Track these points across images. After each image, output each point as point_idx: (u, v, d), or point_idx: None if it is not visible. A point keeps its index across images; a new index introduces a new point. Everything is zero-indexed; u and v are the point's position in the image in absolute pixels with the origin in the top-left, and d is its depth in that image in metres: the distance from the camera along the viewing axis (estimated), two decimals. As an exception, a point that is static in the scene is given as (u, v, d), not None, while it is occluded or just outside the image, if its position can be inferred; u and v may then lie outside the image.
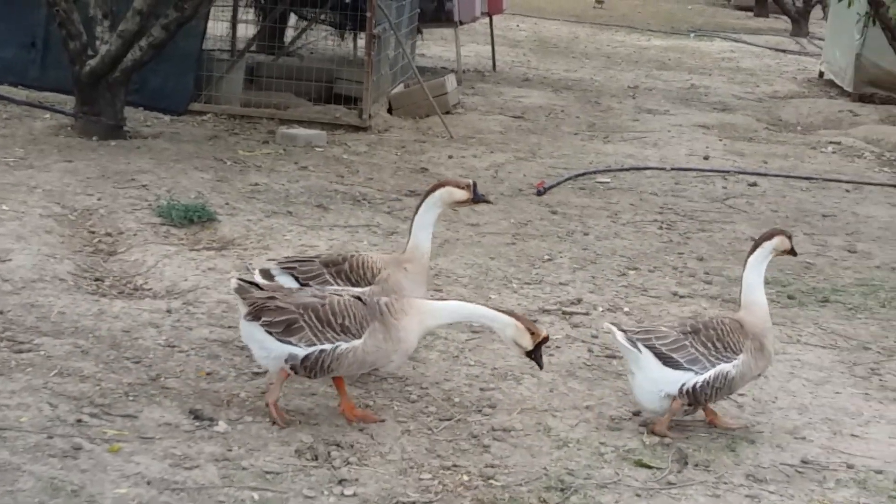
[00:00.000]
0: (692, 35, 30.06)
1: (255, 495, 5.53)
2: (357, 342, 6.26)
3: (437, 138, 14.45)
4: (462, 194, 7.00)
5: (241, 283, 6.39)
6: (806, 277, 10.01)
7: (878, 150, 16.65)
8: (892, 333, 8.74)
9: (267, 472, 5.75)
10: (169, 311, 7.81)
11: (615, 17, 32.82)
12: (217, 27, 16.68)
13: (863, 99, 20.92)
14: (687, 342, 6.59)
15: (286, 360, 6.25)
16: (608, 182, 13.00)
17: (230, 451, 5.94)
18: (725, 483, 6.08)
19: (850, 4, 19.48)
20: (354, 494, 5.62)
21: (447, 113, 15.51)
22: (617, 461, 6.24)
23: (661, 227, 11.22)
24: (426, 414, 6.63)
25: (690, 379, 6.53)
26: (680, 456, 6.30)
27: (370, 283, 6.89)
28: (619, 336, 6.57)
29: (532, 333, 6.28)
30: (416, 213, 7.11)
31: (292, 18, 18.40)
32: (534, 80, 20.36)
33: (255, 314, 6.28)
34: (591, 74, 21.70)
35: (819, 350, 8.26)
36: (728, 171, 14.02)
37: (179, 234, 9.58)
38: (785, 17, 33.97)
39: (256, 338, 6.34)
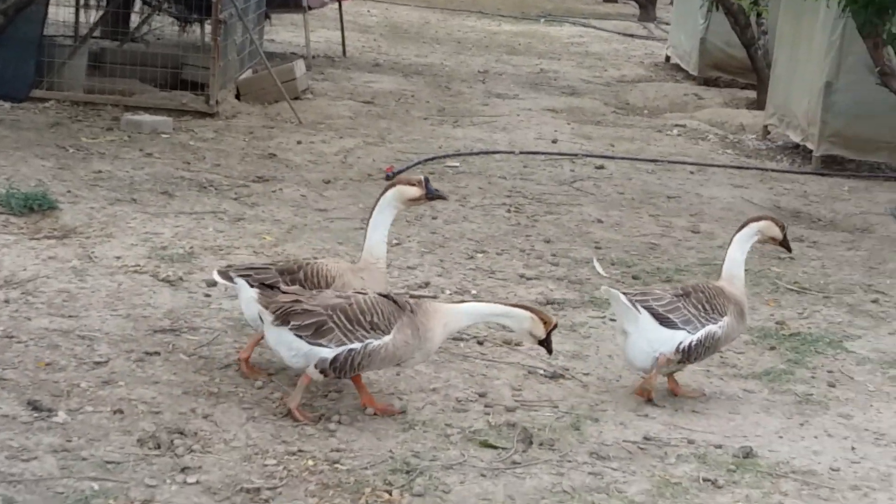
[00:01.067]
0: (542, 20, 30.32)
1: (95, 486, 5.43)
2: (387, 338, 6.35)
3: (285, 124, 14.35)
4: (414, 191, 7.00)
5: (262, 288, 6.40)
6: (650, 258, 10.16)
7: (721, 132, 17.00)
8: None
9: (108, 462, 5.66)
10: (7, 301, 7.63)
11: (466, 2, 32.89)
12: (60, 12, 16.34)
13: (707, 82, 21.33)
14: (680, 304, 6.98)
15: (316, 365, 6.29)
16: (457, 166, 13.05)
17: (70, 441, 5.83)
18: (569, 461, 6.14)
19: (693, -11, 19.88)
20: (197, 482, 5.56)
21: (296, 98, 15.40)
22: (463, 442, 6.26)
23: (509, 211, 11.30)
24: (272, 400, 6.58)
25: (686, 338, 6.92)
26: (525, 436, 6.34)
27: (325, 289, 6.77)
28: (623, 297, 6.88)
29: (545, 322, 6.49)
30: (370, 216, 7.09)
31: (137, 4, 18.10)
32: (384, 65, 20.34)
33: (284, 318, 6.29)
34: (442, 59, 21.75)
35: (662, 329, 8.36)
36: (576, 155, 14.17)
37: (19, 223, 9.36)
38: (633, 3, 34.45)
39: (286, 342, 6.34)
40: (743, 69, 20.69)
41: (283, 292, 6.43)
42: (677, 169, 14.09)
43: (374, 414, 6.49)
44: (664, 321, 6.93)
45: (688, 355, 6.97)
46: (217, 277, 6.87)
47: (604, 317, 8.43)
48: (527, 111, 16.97)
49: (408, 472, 5.84)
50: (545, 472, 6.01)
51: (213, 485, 5.55)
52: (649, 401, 6.95)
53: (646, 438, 6.48)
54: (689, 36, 22.09)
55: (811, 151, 15.09)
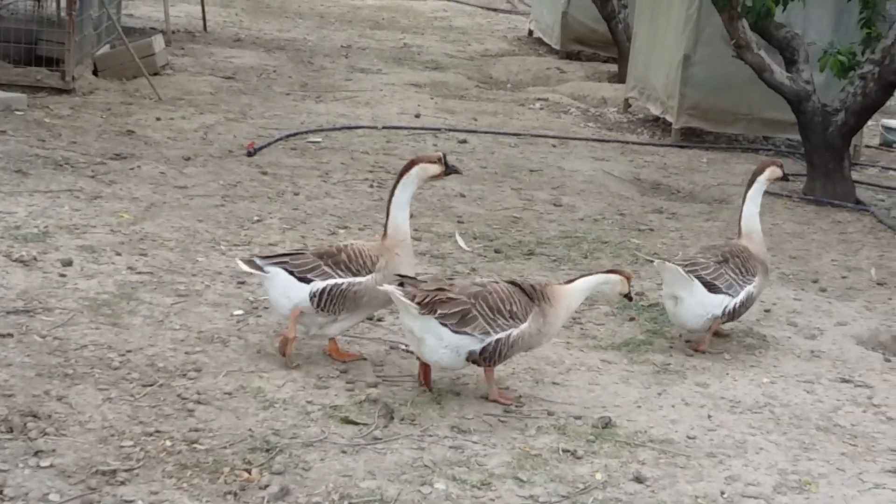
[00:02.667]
0: (406, -6, 30.22)
1: (-55, 473, 5.30)
2: (524, 326, 6.56)
3: (144, 100, 14.10)
4: (435, 168, 7.13)
5: (400, 279, 6.53)
6: (513, 231, 10.21)
7: (583, 105, 17.16)
8: (594, 283, 8.99)
9: (-43, 448, 5.52)
10: None
11: (329, -24, 32.70)
12: None
13: (570, 56, 21.53)
14: (722, 270, 7.76)
15: (467, 357, 6.47)
16: (320, 142, 12.96)
17: (-83, 428, 5.67)
18: (431, 436, 6.14)
19: (554, -36, 20.00)
20: (51, 465, 5.44)
21: (155, 74, 15.15)
22: (324, 419, 6.22)
23: (371, 186, 11.26)
24: (128, 380, 6.46)
25: (730, 301, 7.72)
26: (386, 411, 6.32)
27: (371, 272, 6.91)
28: (680, 269, 7.56)
29: (628, 278, 7.01)
30: (392, 193, 7.12)
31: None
32: (246, 40, 20.11)
33: (430, 308, 6.38)
34: (305, 34, 21.58)
35: (524, 301, 8.41)
36: (439, 129, 14.18)
37: None
38: (496, -23, 34.53)
39: (433, 331, 6.43)
40: (604, 43, 20.93)
41: (423, 283, 6.59)
42: (539, 142, 14.18)
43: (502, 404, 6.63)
44: (712, 288, 7.67)
45: (732, 315, 7.78)
46: (244, 267, 6.89)
47: (466, 291, 8.43)
48: (390, 86, 16.92)
49: (267, 451, 5.79)
50: (406, 446, 6.00)
51: (68, 468, 5.44)
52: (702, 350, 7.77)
53: (506, 411, 6.51)
54: (551, 10, 22.23)
55: (671, 124, 15.32)
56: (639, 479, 5.84)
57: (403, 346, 7.29)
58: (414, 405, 6.47)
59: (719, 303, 7.67)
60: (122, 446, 5.71)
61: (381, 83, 17.10)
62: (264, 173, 11.27)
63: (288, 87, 16.11)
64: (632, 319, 8.26)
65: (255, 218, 9.75)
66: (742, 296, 7.78)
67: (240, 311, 7.65)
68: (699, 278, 7.63)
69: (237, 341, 7.14)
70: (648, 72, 16.22)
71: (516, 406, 6.60)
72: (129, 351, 6.85)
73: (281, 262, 6.90)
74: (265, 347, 7.07)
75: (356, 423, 6.19)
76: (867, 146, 16.30)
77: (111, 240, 8.74)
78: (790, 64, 13.00)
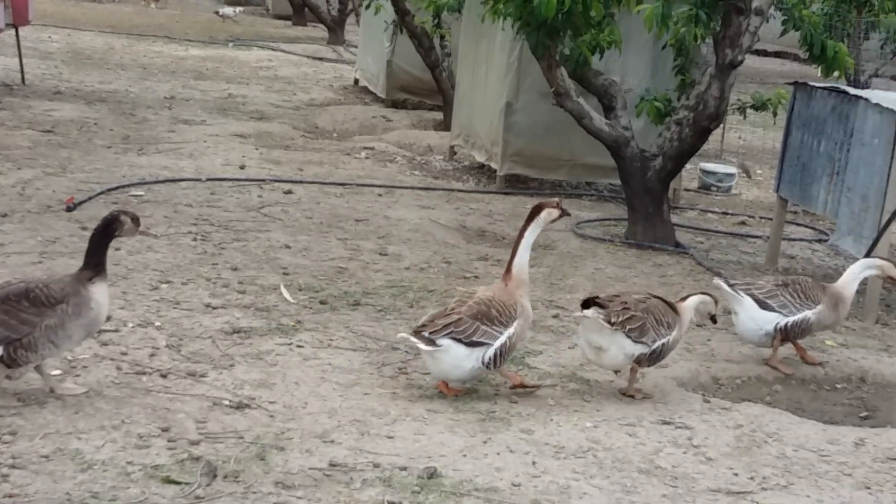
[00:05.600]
0: (231, 44, 30.09)
1: None
2: (674, 334, 7.98)
3: (-41, 155, 13.75)
4: (556, 212, 7.92)
5: (593, 303, 7.75)
6: (338, 282, 10.18)
7: (409, 154, 17.25)
8: (420, 332, 9.01)
9: None
10: None
11: (152, 27, 32.38)
12: None
13: (395, 105, 21.66)
14: (778, 292, 8.86)
15: (636, 359, 7.82)
16: (142, 195, 12.76)
17: None
18: (254, 492, 6.06)
19: (376, 12, 20.13)
20: None
21: (-29, 128, 14.79)
22: (144, 479, 6.09)
23: (195, 239, 11.12)
24: (-59, 446, 6.26)
25: (782, 319, 8.80)
26: (209, 469, 6.23)
27: (515, 319, 7.65)
28: (725, 286, 8.85)
29: (716, 302, 8.35)
30: (521, 236, 7.82)
31: None
32: (66, 92, 19.74)
33: (622, 324, 7.71)
34: (127, 86, 21.28)
35: (350, 353, 8.39)
36: (264, 180, 14.10)
37: None
38: (322, 26, 34.60)
39: (619, 343, 7.75)
40: (429, 91, 21.09)
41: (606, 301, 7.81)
42: (366, 192, 14.20)
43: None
44: (763, 305, 8.80)
45: (786, 333, 8.85)
46: (422, 346, 7.43)
47: (290, 343, 8.38)
48: (214, 137, 16.78)
49: (85, 515, 5.65)
50: (230, 505, 5.91)
51: None
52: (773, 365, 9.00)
53: (332, 465, 6.46)
54: (376, 59, 22.34)
55: (495, 171, 15.47)
56: (464, 529, 5.85)
57: (227, 402, 7.19)
58: (238, 461, 6.38)
59: (770, 319, 8.80)
60: (-69, 517, 5.52)
61: (206, 134, 16.95)
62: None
63: (109, 140, 15.85)
64: (457, 367, 8.27)
65: (75, 274, 9.53)
66: (798, 317, 8.84)
67: (58, 371, 7.47)
68: (750, 295, 8.84)
69: (55, 402, 6.96)
70: (472, 119, 16.40)
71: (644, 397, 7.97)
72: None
73: (448, 332, 7.46)
74: (83, 408, 6.91)
75: (178, 483, 6.08)
76: (686, 189, 16.69)
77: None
78: (608, 110, 13.27)
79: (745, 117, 14.59)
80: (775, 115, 13.53)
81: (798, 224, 15.14)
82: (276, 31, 35.49)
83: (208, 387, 7.48)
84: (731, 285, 8.90)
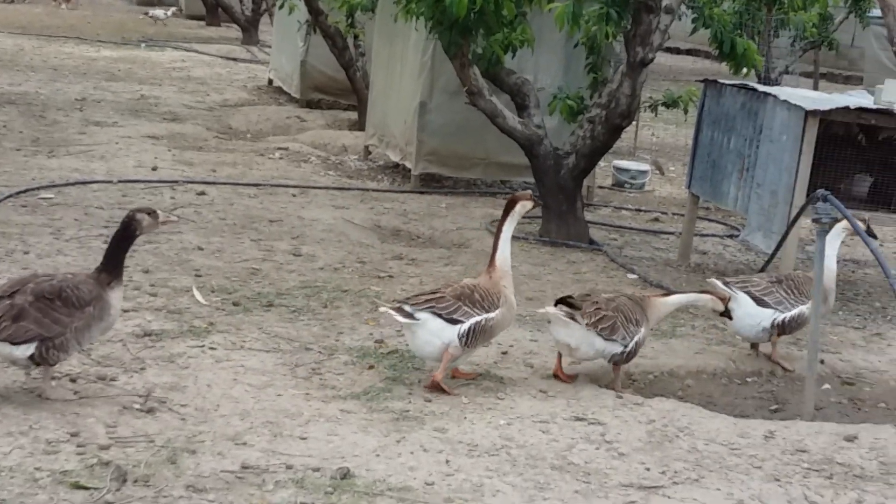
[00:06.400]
0: (143, 45, 29.80)
1: None
2: (643, 330, 8.28)
3: None
4: (530, 204, 8.32)
5: (564, 302, 8.08)
6: (251, 283, 10.12)
7: (324, 154, 17.20)
8: (333, 332, 8.99)
9: None
10: None
11: (63, 28, 32.00)
12: None
13: (310, 105, 21.60)
14: (774, 289, 9.11)
15: (610, 359, 8.19)
16: (52, 198, 12.60)
17: None
18: (165, 496, 6.00)
19: (290, 12, 20.05)
20: None
21: None
22: (53, 485, 6.01)
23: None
24: None
25: (779, 316, 9.04)
26: (119, 474, 6.15)
27: (498, 307, 7.97)
28: (720, 284, 9.08)
29: (722, 299, 8.63)
30: (501, 229, 8.18)
31: None
32: (-26, 94, 19.47)
33: (595, 324, 8.02)
34: (37, 87, 21.00)
35: (263, 354, 8.34)
36: (176, 181, 13.98)
37: None
38: (236, 26, 34.38)
39: (590, 341, 8.08)
40: (344, 91, 21.06)
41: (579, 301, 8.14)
42: (280, 192, 14.13)
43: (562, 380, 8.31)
44: (760, 302, 9.01)
45: (783, 329, 9.11)
46: (399, 318, 7.74)
47: (203, 346, 8.32)
48: (126, 139, 16.60)
49: (-8, 523, 5.56)
50: (139, 509, 5.85)
51: None
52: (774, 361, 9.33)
53: (244, 467, 6.42)
54: (290, 59, 22.26)
55: (410, 170, 15.47)
56: (377, 529, 5.84)
57: (138, 406, 7.12)
58: (148, 465, 6.32)
59: (767, 316, 9.04)
60: None
61: (117, 136, 16.76)
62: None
63: (18, 143, 15.63)
64: (371, 367, 8.27)
65: (-18, 279, 9.40)
66: (794, 312, 9.08)
67: (-36, 378, 7.36)
68: (747, 292, 9.04)
69: (-40, 409, 6.86)
70: (387, 119, 16.38)
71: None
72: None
73: (429, 307, 7.76)
74: (-9, 414, 6.81)
75: (87, 488, 6.01)
76: (600, 187, 16.81)
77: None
78: (521, 109, 13.31)
79: (656, 115, 14.71)
80: (686, 112, 13.68)
81: (710, 220, 15.29)
82: (189, 32, 35.22)
83: (118, 391, 7.40)
84: (726, 283, 9.15)
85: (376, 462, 6.65)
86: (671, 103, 13.45)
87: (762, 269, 9.84)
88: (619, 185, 17.29)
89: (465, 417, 7.46)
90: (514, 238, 12.51)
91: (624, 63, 12.54)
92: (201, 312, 9.13)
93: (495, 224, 13.17)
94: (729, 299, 8.75)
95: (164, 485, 6.13)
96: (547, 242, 12.83)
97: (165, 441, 6.67)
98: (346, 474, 6.39)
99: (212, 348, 8.31)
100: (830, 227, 8.83)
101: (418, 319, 7.75)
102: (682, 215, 13.75)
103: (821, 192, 8.23)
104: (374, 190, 15.04)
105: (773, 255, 9.79)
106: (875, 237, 9.69)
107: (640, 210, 15.67)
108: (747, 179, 11.45)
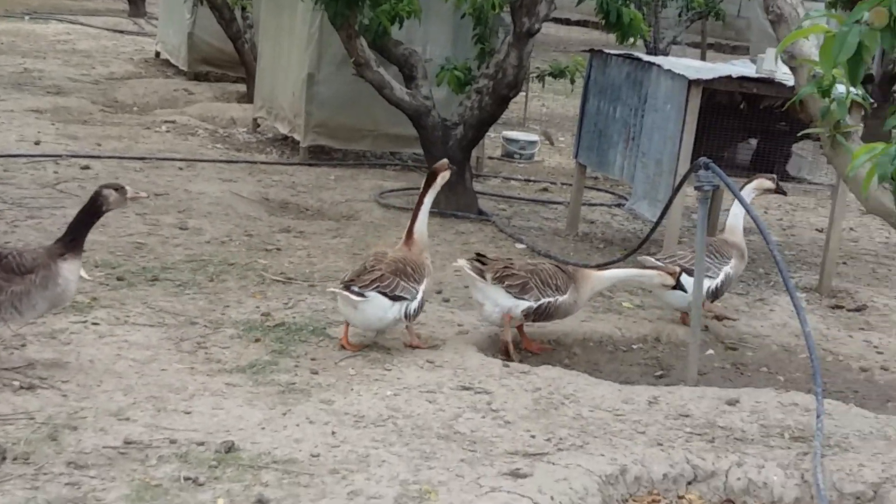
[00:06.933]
0: (27, 17, 29.22)
1: None
2: (565, 297, 8.52)
3: None
4: (447, 174, 8.63)
5: (476, 258, 8.49)
6: (136, 258, 10.00)
7: (212, 126, 17.04)
8: (219, 306, 8.92)
9: None
10: None
11: (-56, 0, 31.31)
12: None
13: (198, 77, 21.37)
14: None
15: (522, 311, 8.41)
16: (-70, 173, 12.35)
17: None
18: (45, 474, 5.91)
19: (175, -17, 19.79)
20: None
21: None
22: (-71, 465, 5.91)
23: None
24: None
25: (710, 283, 9.26)
26: (-3, 452, 6.06)
27: (425, 278, 8.32)
28: (651, 260, 9.30)
29: (670, 274, 8.85)
30: (421, 202, 8.46)
31: None
32: None
33: (501, 279, 8.34)
34: (-84, 61, 20.55)
35: (147, 329, 8.25)
36: (60, 156, 13.75)
37: None
38: (123, -2, 33.90)
39: (492, 297, 8.41)
40: (232, 63, 20.86)
41: (493, 261, 8.52)
42: (166, 166, 13.97)
43: (534, 353, 8.78)
44: (689, 273, 8.91)
45: (715, 295, 9.42)
46: (351, 296, 7.95)
47: (85, 321, 8.20)
48: (8, 113, 16.27)
49: None
50: (19, 487, 5.75)
51: None
52: (721, 318, 9.78)
53: (127, 442, 6.35)
54: (177, 31, 21.99)
55: (299, 143, 15.38)
56: (261, 502, 5.80)
57: (17, 382, 7.00)
58: (28, 443, 6.22)
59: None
60: None
61: (-1, 110, 16.45)
62: None
63: None
64: (258, 341, 8.21)
65: None
66: (722, 276, 9.38)
67: None
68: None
69: None
70: (275, 91, 16.26)
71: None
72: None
73: (375, 286, 8.03)
74: None
75: (-37, 469, 5.90)
76: (490, 158, 16.84)
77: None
78: (409, 80, 13.28)
79: (544, 85, 14.81)
80: (573, 82, 13.77)
81: (598, 189, 15.40)
82: (74, 4, 34.58)
83: (-2, 368, 7.28)
84: (657, 259, 9.36)
85: (261, 435, 6.61)
86: (558, 73, 13.54)
87: (647, 238, 9.91)
88: (508, 155, 17.35)
89: (352, 389, 7.44)
90: (403, 210, 12.64)
91: (511, 33, 12.56)
92: (84, 288, 8.98)
93: (384, 196, 13.26)
94: (680, 273, 8.91)
95: (44, 462, 6.04)
96: (436, 213, 12.76)
97: (46, 418, 6.57)
98: (230, 448, 6.35)
99: (95, 324, 8.20)
100: (712, 195, 9.01)
101: (368, 297, 8.00)
102: (571, 185, 13.84)
103: (703, 160, 8.29)
104: (262, 163, 14.93)
105: (657, 223, 9.87)
106: (785, 193, 10.23)
107: (529, 180, 15.74)
108: (633, 149, 11.54)
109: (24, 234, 10.31)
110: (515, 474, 6.28)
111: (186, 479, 5.97)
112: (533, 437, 6.93)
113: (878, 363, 9.40)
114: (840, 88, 6.57)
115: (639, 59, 11.71)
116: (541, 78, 13.92)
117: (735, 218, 9.80)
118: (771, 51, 10.59)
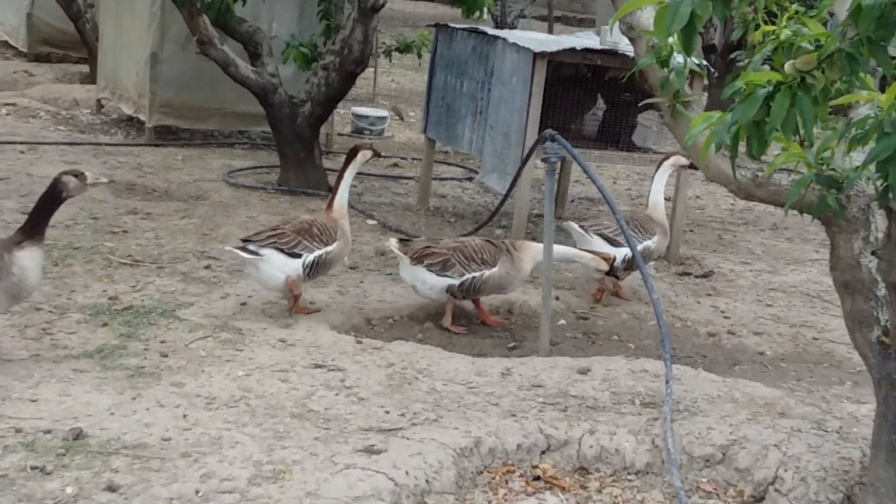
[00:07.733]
0: None
1: None
2: (494, 270, 8.74)
3: None
4: (370, 153, 9.10)
5: (399, 241, 8.77)
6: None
7: (54, 109, 16.69)
8: (65, 291, 8.75)
9: None
10: None
11: None
12: None
13: (39, 59, 20.93)
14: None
15: (447, 290, 8.65)
16: None
17: None
18: None
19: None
20: None
21: None
22: None
23: None
24: None
25: (628, 253, 9.35)
26: None
27: (335, 241, 8.52)
28: (576, 226, 9.67)
29: (605, 259, 8.95)
30: (342, 176, 8.81)
31: None
32: None
33: (419, 259, 8.58)
34: None
35: (-10, 317, 8.05)
36: None
37: None
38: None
39: (420, 277, 8.67)
40: (74, 44, 20.46)
41: (415, 241, 8.87)
42: (7, 150, 13.65)
43: (491, 325, 9.09)
44: (612, 242, 9.54)
45: (629, 264, 9.54)
46: (243, 255, 8.17)
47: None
48: None
49: None
50: None
51: None
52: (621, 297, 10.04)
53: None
54: (15, 12, 21.49)
55: (144, 123, 15.13)
56: (111, 488, 5.69)
57: None
58: None
59: (620, 255, 9.36)
60: None
61: None
62: None
63: None
64: (105, 325, 8.07)
65: None
66: (641, 247, 9.54)
67: None
68: (600, 234, 9.62)
69: None
70: (118, 71, 15.97)
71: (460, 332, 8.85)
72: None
73: (270, 242, 8.23)
74: None
75: None
76: (340, 134, 16.78)
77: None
78: (254, 58, 13.15)
79: (391, 61, 14.78)
80: (420, 57, 13.77)
81: (448, 164, 15.44)
82: None
83: None
84: (582, 226, 9.68)
85: (111, 420, 6.49)
86: (405, 48, 13.51)
87: (496, 210, 9.97)
88: (358, 131, 17.30)
89: (203, 371, 7.36)
90: (252, 189, 12.53)
91: (356, 9, 12.50)
92: None
93: (233, 175, 13.13)
94: (614, 259, 9.04)
95: None
96: (286, 191, 12.74)
97: None
98: (78, 435, 6.22)
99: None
100: (561, 167, 9.14)
101: (262, 255, 8.21)
102: (421, 160, 13.85)
103: (549, 132, 8.35)
104: (107, 144, 14.67)
105: (506, 196, 9.93)
106: (696, 168, 10.28)
107: (379, 156, 15.67)
108: (481, 122, 11.58)
109: None
110: (370, 450, 6.26)
111: (33, 468, 5.84)
112: (387, 412, 6.92)
113: (725, 328, 9.60)
114: (678, 58, 6.65)
115: (484, 33, 11.74)
116: (388, 53, 13.89)
117: (657, 195, 10.03)
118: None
